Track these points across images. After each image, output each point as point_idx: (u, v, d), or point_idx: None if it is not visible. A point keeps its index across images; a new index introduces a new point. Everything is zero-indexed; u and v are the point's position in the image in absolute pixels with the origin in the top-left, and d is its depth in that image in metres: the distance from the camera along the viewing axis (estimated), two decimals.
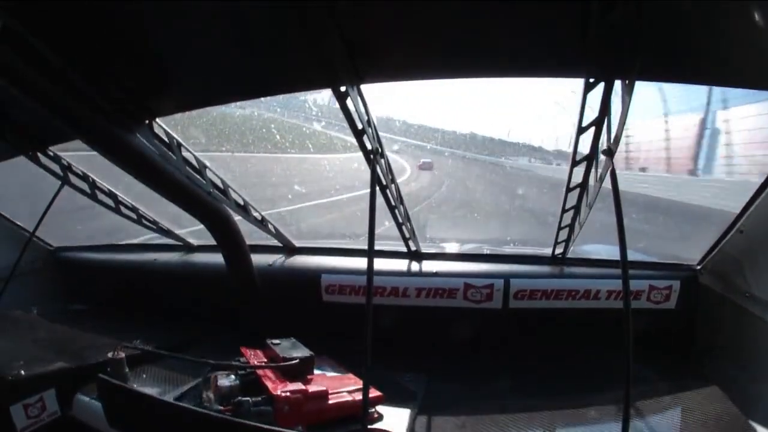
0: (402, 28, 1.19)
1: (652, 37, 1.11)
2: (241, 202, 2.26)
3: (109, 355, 2.01)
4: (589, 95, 1.37)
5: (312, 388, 1.82)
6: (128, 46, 1.31)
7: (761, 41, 1.11)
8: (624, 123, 1.39)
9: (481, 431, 1.89)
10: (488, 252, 2.64)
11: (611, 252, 2.50)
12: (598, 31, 1.08)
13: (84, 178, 2.22)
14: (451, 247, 2.74)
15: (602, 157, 1.51)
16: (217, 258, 2.38)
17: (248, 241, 2.37)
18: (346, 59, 1.31)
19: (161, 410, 1.73)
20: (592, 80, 1.32)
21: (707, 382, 2.02)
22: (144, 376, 2.07)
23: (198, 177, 1.94)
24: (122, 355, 2.03)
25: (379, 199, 1.94)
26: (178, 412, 1.71)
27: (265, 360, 2.04)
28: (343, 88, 1.40)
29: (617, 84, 1.29)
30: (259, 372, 1.92)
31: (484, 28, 1.16)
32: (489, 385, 2.12)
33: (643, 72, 1.26)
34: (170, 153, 1.77)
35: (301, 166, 12.03)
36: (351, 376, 2.04)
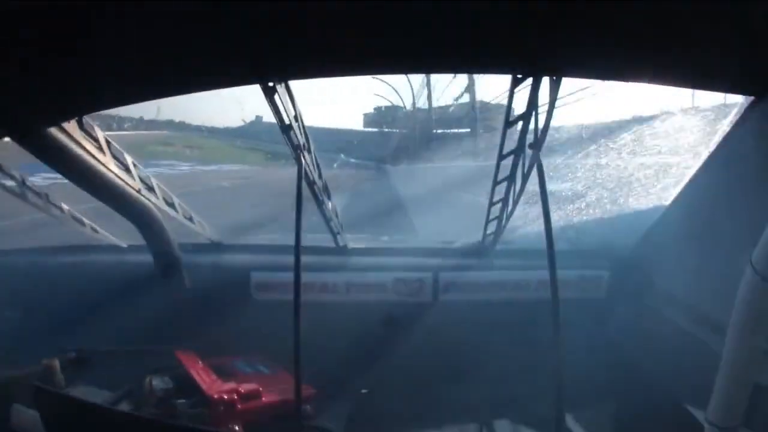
0: (332, 24, 1.15)
1: (581, 34, 1.13)
2: (170, 200, 2.23)
3: (43, 362, 2.02)
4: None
5: (245, 387, 1.91)
6: (53, 41, 1.25)
7: (697, 39, 1.13)
8: (551, 118, 1.46)
9: (416, 423, 1.99)
10: (417, 246, 2.74)
11: (541, 243, 2.61)
12: (527, 27, 1.11)
13: (12, 177, 2.13)
14: (381, 242, 2.80)
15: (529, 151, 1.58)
16: (147, 257, 2.37)
17: (177, 240, 2.38)
18: (275, 54, 1.28)
19: (98, 416, 1.75)
20: (519, 76, 1.37)
21: (636, 371, 2.09)
22: (79, 381, 2.07)
23: (127, 175, 1.91)
24: (56, 361, 2.04)
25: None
26: (114, 416, 1.76)
27: (199, 361, 2.10)
28: (270, 84, 1.39)
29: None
30: (193, 373, 1.98)
31: (414, 25, 1.15)
32: (423, 377, 2.20)
33: (572, 69, 1.32)
34: (99, 151, 1.72)
35: None
36: (284, 373, 2.11)
